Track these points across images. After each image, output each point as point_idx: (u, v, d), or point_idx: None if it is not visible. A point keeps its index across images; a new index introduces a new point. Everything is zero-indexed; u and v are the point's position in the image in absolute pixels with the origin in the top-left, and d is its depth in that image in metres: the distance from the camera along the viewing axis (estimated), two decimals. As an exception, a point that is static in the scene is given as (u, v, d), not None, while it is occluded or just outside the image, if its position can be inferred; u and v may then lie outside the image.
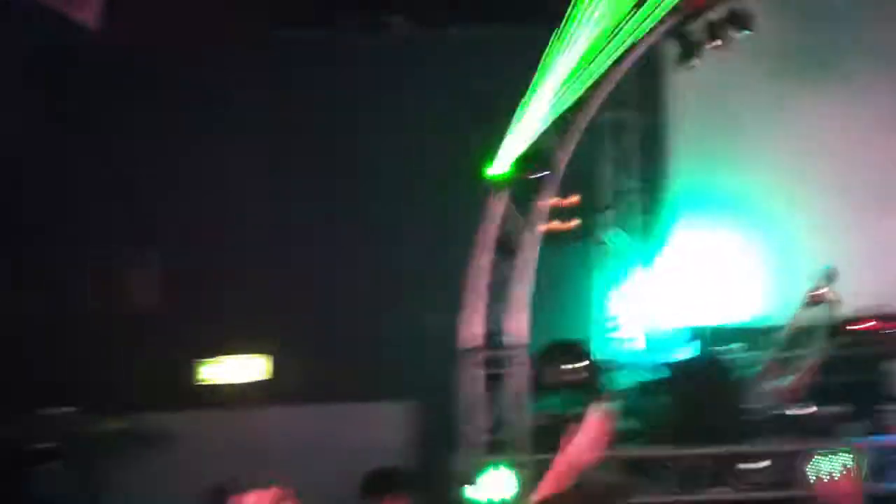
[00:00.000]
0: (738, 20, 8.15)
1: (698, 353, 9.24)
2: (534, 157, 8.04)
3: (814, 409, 8.18)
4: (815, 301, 8.61)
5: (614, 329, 10.11)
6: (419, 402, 8.99)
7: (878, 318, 9.24)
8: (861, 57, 9.80)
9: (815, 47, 9.81)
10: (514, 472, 7.50)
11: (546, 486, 3.18)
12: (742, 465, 7.89)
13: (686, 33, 8.28)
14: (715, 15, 8.19)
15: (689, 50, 8.31)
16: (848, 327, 8.99)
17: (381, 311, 9.27)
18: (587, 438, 3.15)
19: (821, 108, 9.97)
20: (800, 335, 8.70)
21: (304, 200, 9.59)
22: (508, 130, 7.89)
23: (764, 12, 8.46)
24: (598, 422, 3.17)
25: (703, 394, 8.25)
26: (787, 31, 9.68)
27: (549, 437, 7.99)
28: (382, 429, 8.78)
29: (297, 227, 9.60)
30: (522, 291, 8.10)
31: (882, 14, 9.70)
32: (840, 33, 9.84)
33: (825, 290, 8.57)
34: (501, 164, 7.85)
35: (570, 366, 8.27)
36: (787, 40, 9.72)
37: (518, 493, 7.37)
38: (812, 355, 8.56)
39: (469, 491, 7.63)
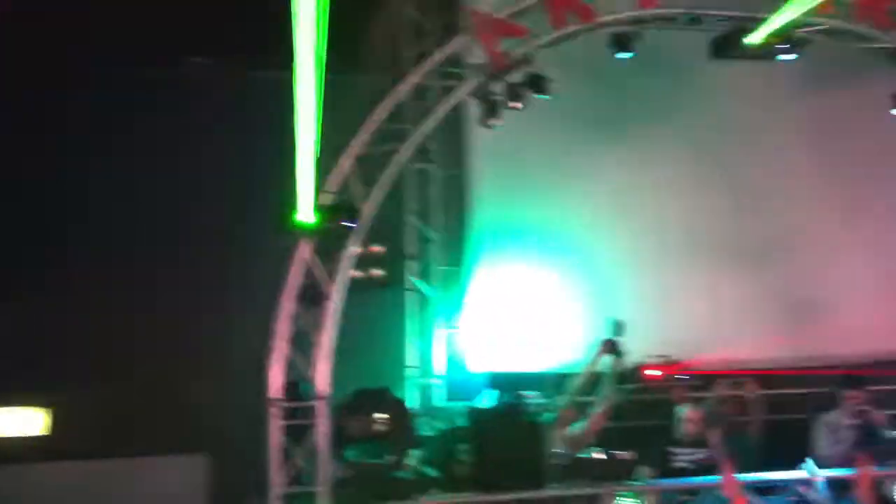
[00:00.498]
0: (536, 84, 8.54)
1: (498, 400, 9.45)
2: (339, 207, 8.07)
3: (604, 454, 8.47)
4: (606, 350, 9.04)
5: (420, 376, 10.24)
6: (216, 456, 8.74)
7: (664, 366, 9.85)
8: (647, 120, 10.50)
9: (605, 110, 10.42)
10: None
11: None
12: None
13: (488, 94, 8.60)
14: (515, 78, 8.56)
15: (491, 109, 8.63)
16: (638, 374, 9.49)
17: (179, 361, 8.98)
18: None
19: (609, 167, 10.59)
20: (593, 382, 9.09)
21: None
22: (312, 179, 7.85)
23: (563, 77, 8.89)
24: None
25: (502, 440, 8.39)
26: (582, 96, 10.22)
27: (352, 489, 7.97)
28: (175, 483, 8.46)
29: (81, 269, 9.19)
30: (326, 340, 8.04)
31: (668, 82, 10.42)
32: (629, 100, 10.49)
33: (614, 339, 9.03)
34: (306, 213, 7.81)
35: (375, 415, 8.25)
36: (582, 103, 10.27)
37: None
38: (603, 402, 8.96)
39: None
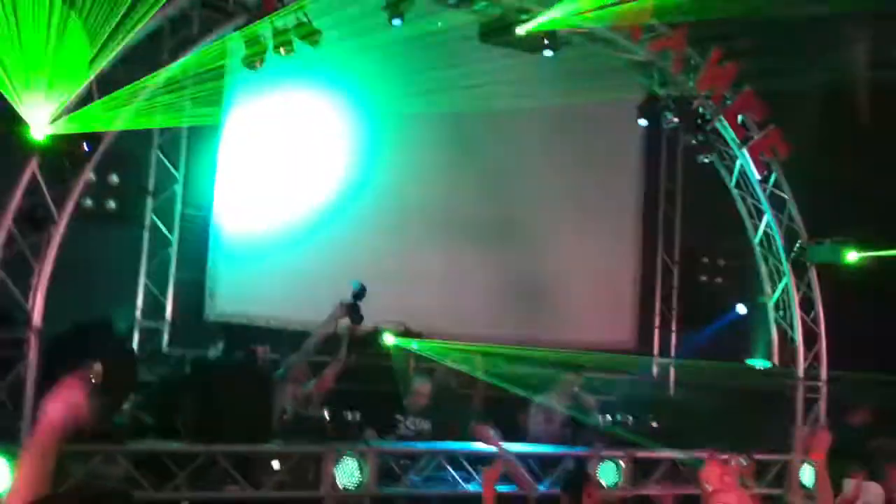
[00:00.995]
0: (306, 34, 8.23)
1: (226, 350, 9.20)
2: (76, 128, 7.46)
3: (328, 413, 8.42)
4: (344, 313, 8.99)
5: (147, 319, 9.80)
6: None
7: (398, 333, 10.03)
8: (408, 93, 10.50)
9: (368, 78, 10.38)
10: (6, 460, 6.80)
11: (28, 472, 2.94)
12: (258, 466, 7.92)
13: (255, 35, 8.23)
14: (285, 23, 8.25)
15: (256, 52, 8.25)
16: (373, 338, 9.54)
17: None
18: (62, 403, 3.00)
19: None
20: (328, 342, 9.02)
21: None
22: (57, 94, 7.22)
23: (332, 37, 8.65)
24: (74, 386, 3.04)
25: (230, 392, 8.12)
26: (352, 60, 10.05)
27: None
28: None
29: None
30: (46, 269, 7.44)
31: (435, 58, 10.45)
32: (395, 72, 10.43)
33: (354, 303, 8.99)
34: (39, 129, 7.17)
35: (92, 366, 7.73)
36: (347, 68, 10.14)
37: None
38: (335, 363, 8.92)
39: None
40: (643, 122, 10.66)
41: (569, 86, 10.37)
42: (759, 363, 11.42)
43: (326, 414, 8.38)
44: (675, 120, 10.35)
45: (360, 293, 9.01)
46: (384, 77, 10.36)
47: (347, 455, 8.05)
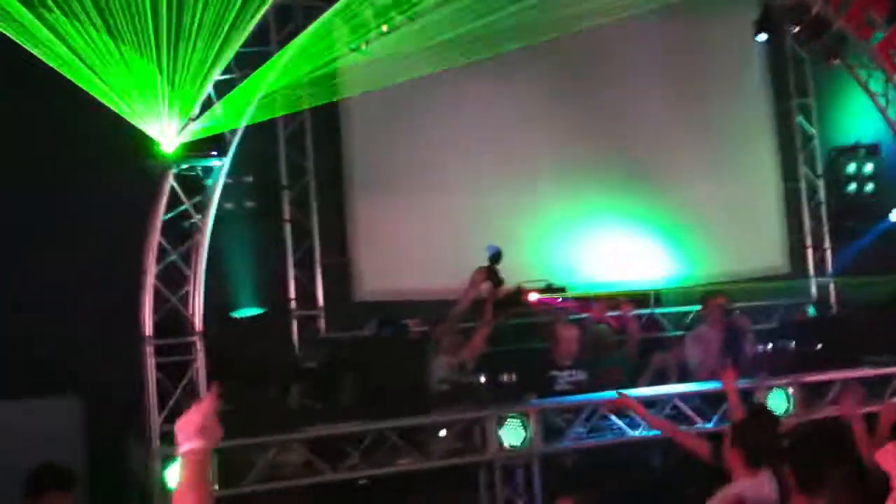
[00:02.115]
0: (405, 5, 8.29)
1: (379, 327, 9.41)
2: (205, 137, 7.76)
3: (484, 377, 8.49)
4: (484, 277, 9.04)
5: (301, 308, 10.09)
6: (89, 396, 8.46)
7: (541, 290, 10.00)
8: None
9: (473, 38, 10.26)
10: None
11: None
12: (424, 436, 8.11)
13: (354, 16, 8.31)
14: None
15: (358, 35, 8.33)
16: (518, 298, 9.54)
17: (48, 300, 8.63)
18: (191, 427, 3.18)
19: (477, 97, 10.51)
20: (473, 308, 9.11)
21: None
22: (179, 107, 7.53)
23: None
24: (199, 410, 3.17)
25: (385, 368, 8.32)
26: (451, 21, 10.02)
27: (236, 423, 7.80)
28: (49, 427, 8.16)
29: None
30: (198, 274, 7.80)
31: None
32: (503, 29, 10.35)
33: (493, 266, 9.04)
34: (169, 143, 7.49)
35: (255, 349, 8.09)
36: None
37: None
38: (483, 326, 9.00)
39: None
40: (762, 36, 10.25)
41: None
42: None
43: (483, 379, 8.47)
44: (796, 29, 9.89)
45: (496, 256, 9.04)
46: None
47: (510, 417, 8.15)
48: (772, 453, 5.36)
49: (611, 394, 8.09)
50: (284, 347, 8.88)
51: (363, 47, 8.34)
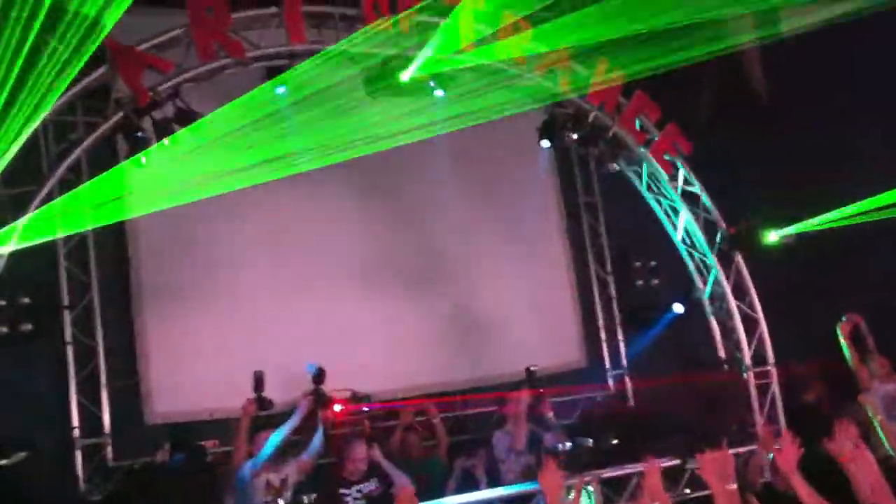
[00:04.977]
0: (185, 120, 8.16)
1: (173, 451, 8.95)
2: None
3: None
4: (312, 402, 8.61)
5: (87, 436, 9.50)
6: None
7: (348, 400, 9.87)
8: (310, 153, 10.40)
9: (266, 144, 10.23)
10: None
11: None
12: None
13: (134, 130, 8.10)
14: (164, 113, 8.16)
15: (137, 145, 8.13)
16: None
17: None
18: None
19: (273, 202, 10.40)
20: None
21: None
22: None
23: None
24: None
25: (177, 498, 7.89)
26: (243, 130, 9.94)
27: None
28: None
29: None
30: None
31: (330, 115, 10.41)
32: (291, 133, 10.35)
33: (317, 387, 8.66)
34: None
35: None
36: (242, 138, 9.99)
37: None
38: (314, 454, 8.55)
39: None
40: (545, 143, 10.69)
41: (467, 119, 10.31)
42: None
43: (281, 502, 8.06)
44: (575, 136, 10.40)
45: (318, 375, 8.59)
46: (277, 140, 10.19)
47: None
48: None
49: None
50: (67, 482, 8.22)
51: (143, 161, 8.10)
